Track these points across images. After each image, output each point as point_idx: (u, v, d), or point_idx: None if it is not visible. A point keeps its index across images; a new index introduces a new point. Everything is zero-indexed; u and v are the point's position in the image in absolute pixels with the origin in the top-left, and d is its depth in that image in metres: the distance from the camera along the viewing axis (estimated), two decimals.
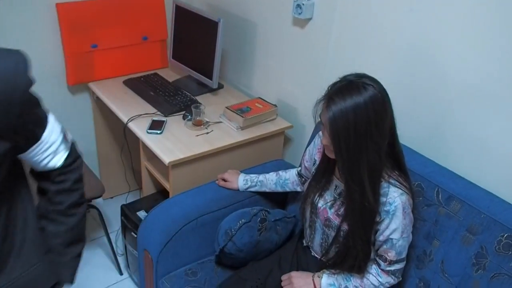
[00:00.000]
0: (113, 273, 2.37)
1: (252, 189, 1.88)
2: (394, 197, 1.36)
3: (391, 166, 1.40)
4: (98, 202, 2.41)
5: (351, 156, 1.30)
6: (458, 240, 1.46)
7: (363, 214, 1.36)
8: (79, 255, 1.22)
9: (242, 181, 1.88)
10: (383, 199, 1.36)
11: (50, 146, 1.05)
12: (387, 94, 1.32)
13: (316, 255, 1.62)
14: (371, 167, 1.31)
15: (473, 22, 1.48)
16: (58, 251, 1.16)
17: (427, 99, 1.68)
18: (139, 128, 2.06)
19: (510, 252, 1.35)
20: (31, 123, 0.99)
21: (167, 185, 2.03)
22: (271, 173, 1.87)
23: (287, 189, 1.84)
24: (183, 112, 2.17)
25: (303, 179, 1.77)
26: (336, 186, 1.50)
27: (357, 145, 1.28)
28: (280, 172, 1.85)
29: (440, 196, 1.52)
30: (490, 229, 1.40)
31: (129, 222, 2.11)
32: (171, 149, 1.94)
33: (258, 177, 1.87)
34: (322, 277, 1.51)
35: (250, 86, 2.50)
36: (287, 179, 1.82)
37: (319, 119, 1.35)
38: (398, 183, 1.38)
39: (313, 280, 1.52)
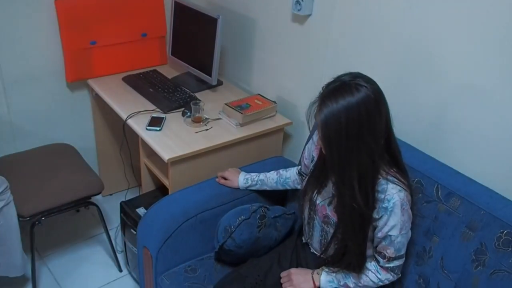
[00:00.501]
0: (112, 270, 2.37)
1: (253, 188, 1.87)
2: (392, 193, 1.35)
3: (388, 163, 1.40)
4: (97, 199, 2.40)
5: (342, 158, 1.30)
6: (458, 236, 1.46)
7: (353, 216, 1.36)
8: None
9: (242, 180, 1.87)
10: (381, 196, 1.36)
11: None
12: (381, 95, 1.30)
13: (315, 252, 1.62)
14: (362, 170, 1.31)
15: (473, 19, 1.48)
16: None
17: (426, 95, 1.68)
18: (138, 125, 2.05)
19: (510, 249, 1.35)
20: None
21: (166, 182, 2.02)
22: (271, 172, 1.86)
23: (288, 187, 1.84)
24: (182, 109, 2.17)
25: (304, 178, 1.76)
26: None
27: (349, 147, 1.28)
28: (280, 170, 1.85)
29: (439, 192, 1.52)
30: (490, 226, 1.39)
31: (129, 219, 2.10)
32: (170, 146, 1.93)
33: (258, 176, 1.87)
34: (321, 274, 1.51)
35: (249, 82, 2.49)
36: (287, 178, 1.82)
37: (314, 120, 1.34)
38: (396, 180, 1.37)
39: (312, 277, 1.52)
